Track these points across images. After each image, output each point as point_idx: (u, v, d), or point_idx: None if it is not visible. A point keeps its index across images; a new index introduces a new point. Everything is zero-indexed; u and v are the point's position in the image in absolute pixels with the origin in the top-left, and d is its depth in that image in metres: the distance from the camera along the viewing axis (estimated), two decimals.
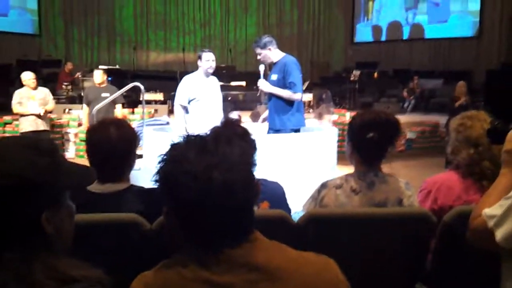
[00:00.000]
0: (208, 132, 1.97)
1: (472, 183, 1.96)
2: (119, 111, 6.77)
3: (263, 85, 4.47)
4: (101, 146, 1.74)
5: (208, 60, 4.66)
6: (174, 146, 1.05)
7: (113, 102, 6.73)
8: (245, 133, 1.97)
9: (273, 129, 4.51)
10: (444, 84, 12.27)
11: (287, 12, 17.38)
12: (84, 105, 6.88)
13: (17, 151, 0.92)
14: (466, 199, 1.95)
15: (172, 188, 0.99)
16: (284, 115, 4.45)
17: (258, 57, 4.48)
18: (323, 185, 1.92)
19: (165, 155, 1.03)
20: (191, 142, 1.04)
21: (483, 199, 1.51)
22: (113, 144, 1.73)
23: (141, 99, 10.60)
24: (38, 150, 0.93)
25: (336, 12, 17.51)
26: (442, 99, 11.68)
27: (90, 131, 1.79)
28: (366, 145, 1.86)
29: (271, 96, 4.51)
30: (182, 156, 0.99)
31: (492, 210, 1.38)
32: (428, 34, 15.62)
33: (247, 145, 1.94)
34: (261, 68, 4.55)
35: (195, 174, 0.96)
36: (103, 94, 6.63)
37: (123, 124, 1.82)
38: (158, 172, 1.03)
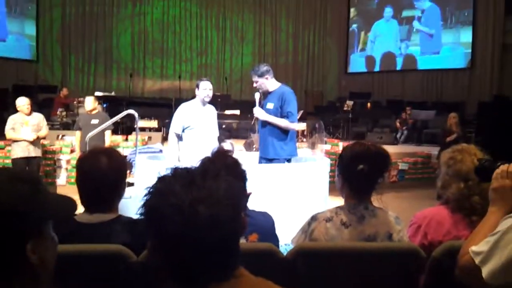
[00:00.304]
0: (198, 163, 1.98)
1: (462, 218, 1.96)
2: (108, 138, 6.76)
3: (259, 112, 4.46)
4: (91, 175, 1.74)
5: (205, 89, 4.69)
6: (160, 179, 1.04)
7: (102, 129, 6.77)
8: (236, 164, 1.97)
9: (266, 158, 4.49)
10: (437, 115, 12.40)
11: (282, 42, 17.66)
12: (77, 132, 6.89)
13: (0, 182, 0.93)
14: (456, 234, 1.94)
15: (156, 221, 0.98)
16: (278, 144, 4.44)
17: (255, 84, 4.50)
18: (313, 218, 1.92)
19: (151, 187, 1.02)
20: (178, 175, 1.03)
21: (471, 236, 1.51)
22: (103, 174, 1.73)
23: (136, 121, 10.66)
24: (21, 180, 0.94)
25: (330, 42, 17.81)
26: (435, 130, 11.79)
27: (81, 161, 1.79)
28: (356, 177, 1.86)
29: (264, 124, 4.50)
30: (168, 189, 0.98)
31: (479, 247, 1.39)
32: (420, 65, 15.88)
33: (237, 176, 1.94)
34: (257, 96, 4.53)
35: (180, 207, 0.95)
36: (93, 121, 6.68)
37: (113, 154, 1.81)
38: (143, 205, 1.02)
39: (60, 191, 7.54)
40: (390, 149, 10.14)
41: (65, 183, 7.66)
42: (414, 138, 12.29)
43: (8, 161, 6.98)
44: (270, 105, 4.44)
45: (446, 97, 14.88)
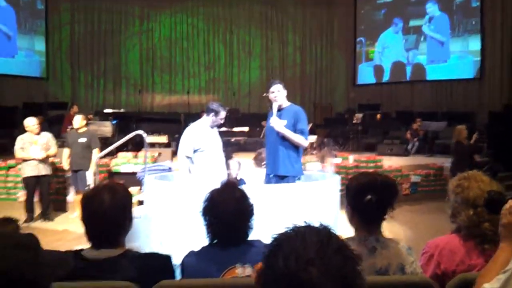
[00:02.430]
0: (207, 195, 1.96)
1: (474, 246, 1.92)
2: (95, 156, 6.68)
3: (277, 123, 4.35)
4: (95, 213, 1.73)
5: (223, 118, 4.73)
6: (285, 239, 0.98)
7: (89, 147, 6.82)
8: (243, 198, 1.95)
9: (276, 176, 4.43)
10: (448, 126, 12.26)
11: (289, 55, 17.70)
12: (65, 149, 6.95)
13: (2, 249, 0.96)
14: (469, 263, 1.90)
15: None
16: (289, 161, 4.40)
17: (273, 94, 4.42)
18: None
19: (277, 245, 0.97)
20: (306, 237, 0.97)
21: (483, 273, 1.48)
22: (107, 212, 1.72)
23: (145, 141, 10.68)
24: (24, 247, 0.98)
25: (338, 54, 17.82)
26: (446, 141, 11.65)
27: (85, 199, 1.78)
28: (365, 208, 1.83)
29: (275, 139, 4.42)
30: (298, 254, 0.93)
31: (490, 285, 1.35)
32: (429, 76, 15.80)
33: (245, 211, 1.91)
34: (275, 106, 4.45)
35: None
36: (80, 139, 6.80)
37: (116, 189, 1.80)
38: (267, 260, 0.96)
39: (70, 207, 7.57)
40: (402, 161, 10.08)
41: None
42: (426, 150, 12.16)
43: (20, 179, 7.02)
44: (283, 122, 4.40)
45: (456, 107, 14.77)
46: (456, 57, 15.15)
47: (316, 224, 1.03)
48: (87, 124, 7.26)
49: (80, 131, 6.91)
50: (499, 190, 1.81)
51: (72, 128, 7.12)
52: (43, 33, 16.08)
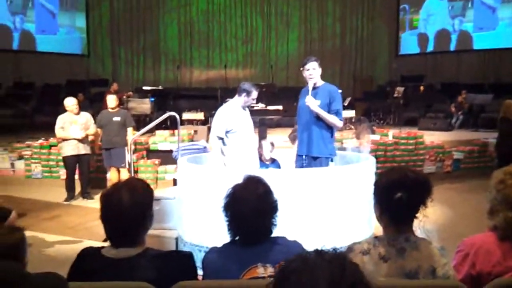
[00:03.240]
0: (229, 190, 1.89)
1: (511, 247, 1.78)
2: (130, 134, 6.82)
3: (312, 103, 4.23)
4: (114, 212, 1.70)
5: (254, 99, 4.63)
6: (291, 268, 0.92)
7: (124, 125, 6.88)
8: (267, 194, 1.87)
9: (309, 156, 4.32)
10: (495, 99, 11.67)
11: (329, 26, 17.21)
12: (98, 129, 7.03)
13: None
14: (506, 265, 1.77)
15: None
16: (323, 141, 4.31)
17: (308, 72, 4.27)
18: (349, 249, 1.79)
19: (283, 278, 0.90)
20: (316, 271, 0.89)
21: None
22: (126, 210, 1.68)
23: (183, 118, 10.75)
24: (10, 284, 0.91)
25: (379, 24, 17.17)
26: (492, 115, 11.11)
27: (104, 197, 1.75)
28: (395, 206, 1.72)
29: (309, 119, 4.30)
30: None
31: None
32: (476, 45, 14.99)
33: (268, 207, 1.84)
34: (310, 84, 4.30)
35: None
36: (115, 118, 6.88)
37: (136, 186, 1.76)
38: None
39: (110, 185, 7.71)
40: (444, 136, 9.73)
41: None
42: (470, 124, 11.67)
43: (61, 157, 7.22)
44: (317, 102, 4.26)
45: (505, 78, 14.00)
46: (505, 24, 14.27)
47: (329, 251, 0.93)
48: (121, 103, 7.32)
49: (114, 110, 7.00)
50: None
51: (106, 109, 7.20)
52: (84, 10, 16.32)
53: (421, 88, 14.21)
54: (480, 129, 11.16)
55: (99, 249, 1.76)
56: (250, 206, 1.81)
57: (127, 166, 6.48)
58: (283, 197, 3.52)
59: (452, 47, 15.60)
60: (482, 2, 14.77)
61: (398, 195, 1.70)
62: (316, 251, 0.93)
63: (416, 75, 15.03)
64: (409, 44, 16.69)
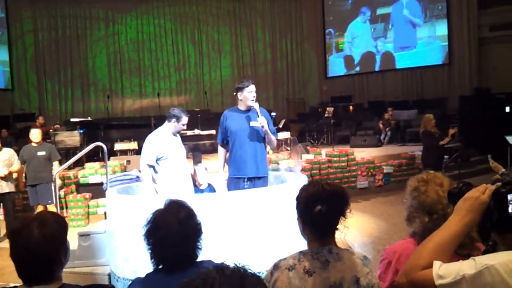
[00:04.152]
0: (149, 217, 1.83)
1: None
2: (56, 168, 6.55)
3: (265, 123, 4.22)
4: (24, 249, 1.58)
5: (185, 124, 4.54)
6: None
7: (49, 160, 6.67)
8: (189, 217, 1.82)
9: (258, 177, 4.27)
10: (419, 114, 12.35)
11: (260, 52, 17.60)
12: (21, 165, 6.70)
13: None
14: None
15: None
16: (265, 161, 4.42)
17: (251, 94, 4.26)
18: (276, 267, 1.78)
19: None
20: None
21: (428, 240, 1.39)
22: (36, 246, 1.57)
23: (115, 148, 10.45)
24: None
25: (308, 48, 17.80)
26: (417, 129, 11.71)
27: (12, 233, 1.63)
28: (315, 219, 1.73)
29: (257, 141, 4.29)
30: None
31: (444, 271, 1.26)
32: (398, 63, 15.88)
33: (191, 231, 1.80)
34: (257, 106, 4.28)
35: None
36: (39, 153, 6.63)
37: (47, 220, 1.65)
38: None
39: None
40: (374, 152, 10.10)
41: None
42: (398, 139, 12.25)
43: None
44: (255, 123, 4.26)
45: (427, 94, 14.90)
46: (424, 43, 15.26)
47: (229, 267, 0.92)
48: (49, 137, 7.00)
49: (38, 144, 6.70)
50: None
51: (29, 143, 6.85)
52: (6, 43, 15.62)
53: (350, 107, 14.80)
54: (407, 143, 11.72)
55: None
56: (172, 231, 1.75)
57: (54, 202, 6.17)
58: (216, 220, 3.48)
59: (377, 67, 16.43)
60: (402, 21, 15.73)
61: (317, 208, 1.72)
62: (217, 267, 0.92)
63: (345, 95, 15.65)
64: (336, 66, 17.38)
